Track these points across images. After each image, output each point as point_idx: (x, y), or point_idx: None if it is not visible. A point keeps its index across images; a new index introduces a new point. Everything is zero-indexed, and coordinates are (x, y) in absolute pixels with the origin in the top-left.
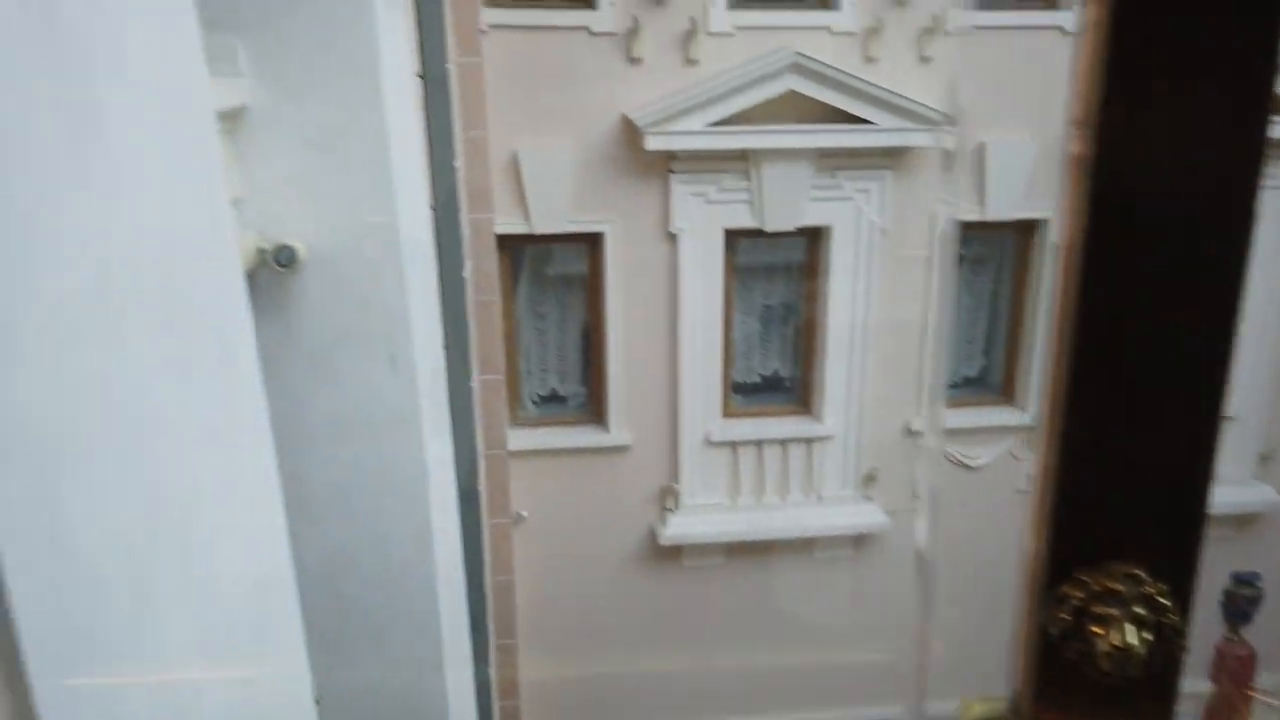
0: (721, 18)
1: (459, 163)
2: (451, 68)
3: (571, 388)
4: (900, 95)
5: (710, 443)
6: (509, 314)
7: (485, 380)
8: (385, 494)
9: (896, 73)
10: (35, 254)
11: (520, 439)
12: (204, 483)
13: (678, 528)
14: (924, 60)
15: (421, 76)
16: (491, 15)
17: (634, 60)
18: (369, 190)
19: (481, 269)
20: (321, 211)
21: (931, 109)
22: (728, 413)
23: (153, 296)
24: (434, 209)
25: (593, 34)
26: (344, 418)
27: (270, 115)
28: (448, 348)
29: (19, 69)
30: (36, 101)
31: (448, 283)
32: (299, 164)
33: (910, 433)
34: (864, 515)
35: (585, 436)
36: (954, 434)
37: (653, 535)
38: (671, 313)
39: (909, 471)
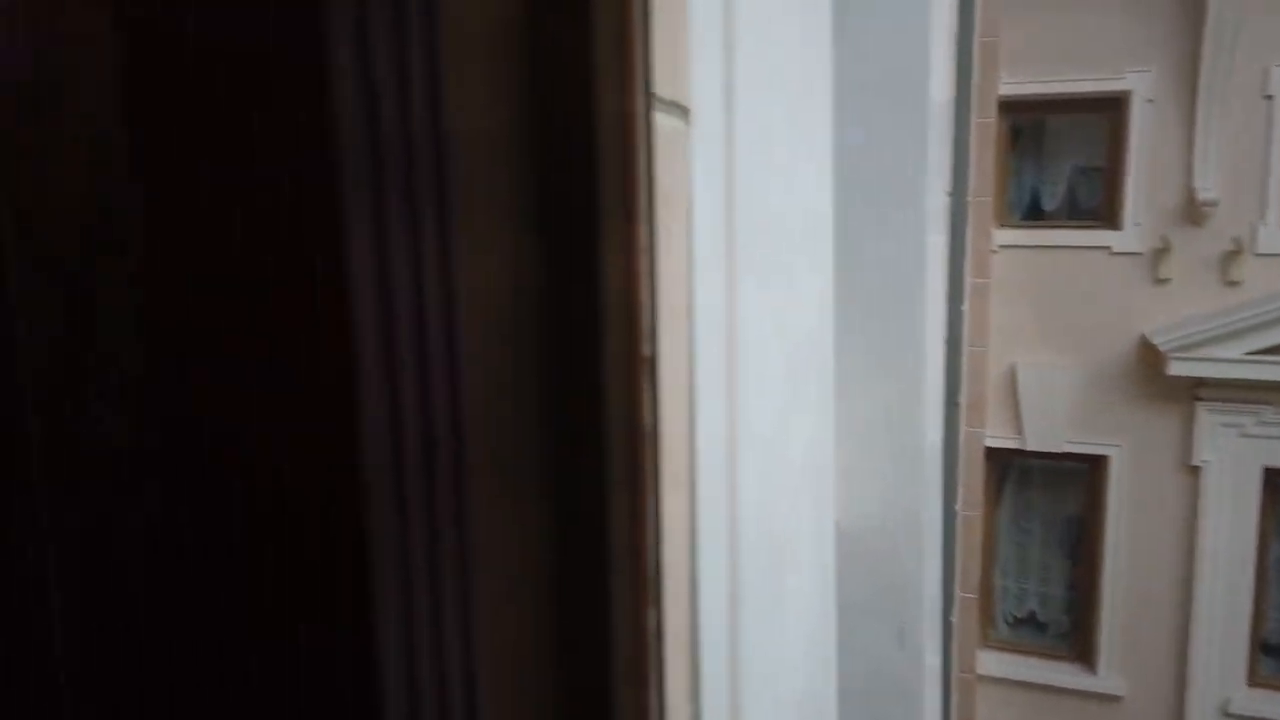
0: (1274, 237)
1: (962, 398)
2: (964, 309)
3: (1053, 614)
4: None
5: (1228, 714)
6: (989, 526)
7: (961, 598)
8: None
9: None
10: None
11: (990, 663)
12: None
13: None
14: None
15: (946, 341)
16: (1003, 235)
17: (1160, 280)
18: (897, 471)
19: (968, 483)
20: (857, 490)
21: None
22: (1255, 681)
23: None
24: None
25: (1113, 254)
26: (844, 686)
27: None
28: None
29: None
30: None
31: (944, 513)
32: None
33: None
34: None
35: (1066, 674)
36: None
37: None
38: (1186, 552)
39: None
